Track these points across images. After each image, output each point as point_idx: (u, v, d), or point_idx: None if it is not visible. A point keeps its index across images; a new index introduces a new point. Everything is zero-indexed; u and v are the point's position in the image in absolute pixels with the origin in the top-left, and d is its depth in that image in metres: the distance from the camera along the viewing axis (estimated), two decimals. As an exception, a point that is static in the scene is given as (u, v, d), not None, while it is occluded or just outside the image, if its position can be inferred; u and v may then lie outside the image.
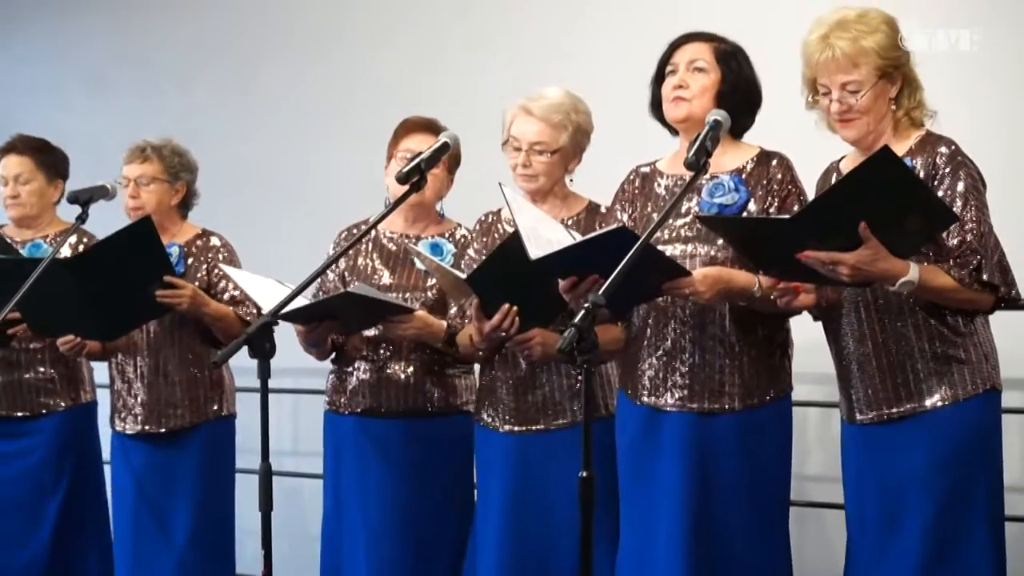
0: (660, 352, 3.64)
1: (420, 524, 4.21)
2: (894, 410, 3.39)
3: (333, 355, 4.34)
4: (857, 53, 3.34)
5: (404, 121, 4.33)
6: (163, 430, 4.67)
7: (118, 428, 4.76)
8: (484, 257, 3.90)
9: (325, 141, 6.35)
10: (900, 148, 3.33)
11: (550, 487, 3.89)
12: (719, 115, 3.36)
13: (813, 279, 3.32)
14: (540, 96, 4.00)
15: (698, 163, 3.21)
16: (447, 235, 4.32)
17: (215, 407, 4.71)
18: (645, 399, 3.66)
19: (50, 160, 5.04)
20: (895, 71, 3.38)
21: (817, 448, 5.09)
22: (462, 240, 4.29)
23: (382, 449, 4.23)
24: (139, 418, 4.69)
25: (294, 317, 3.96)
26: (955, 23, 3.44)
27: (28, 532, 4.93)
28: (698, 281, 3.43)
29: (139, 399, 4.69)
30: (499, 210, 4.09)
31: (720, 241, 3.57)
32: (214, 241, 4.74)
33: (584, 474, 2.84)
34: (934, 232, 3.26)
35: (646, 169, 3.81)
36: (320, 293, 4.27)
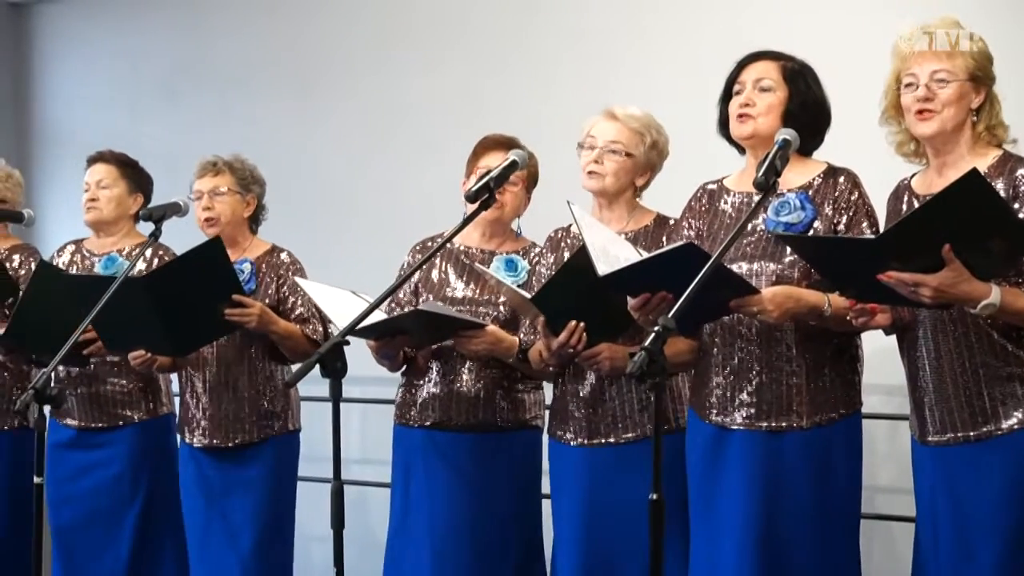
0: (727, 370, 3.64)
1: (487, 537, 4.23)
2: (970, 432, 3.35)
3: (405, 367, 4.37)
4: (955, 47, 3.35)
5: (484, 139, 4.35)
6: (230, 444, 4.71)
7: (187, 440, 4.80)
8: (549, 276, 3.93)
9: (390, 151, 6.38)
10: (978, 165, 3.28)
11: (620, 500, 3.90)
12: (788, 134, 3.35)
13: (891, 300, 3.29)
14: (626, 106, 4.05)
15: (767, 182, 3.20)
16: (521, 252, 4.34)
17: (281, 422, 4.75)
18: (713, 418, 3.66)
19: (134, 174, 5.11)
20: (983, 80, 3.39)
21: (886, 460, 5.06)
22: (536, 259, 4.30)
23: (451, 462, 4.26)
24: (206, 432, 4.73)
25: (365, 333, 3.99)
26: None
27: (108, 542, 4.98)
28: (767, 300, 3.43)
29: (207, 413, 4.73)
30: (568, 226, 4.11)
31: (787, 259, 3.56)
32: (284, 257, 4.77)
33: (654, 496, 2.85)
34: (1017, 255, 3.23)
35: (713, 186, 3.82)
36: (392, 305, 4.30)
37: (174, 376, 5.03)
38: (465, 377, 4.26)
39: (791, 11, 5.34)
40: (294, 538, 4.85)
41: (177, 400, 4.92)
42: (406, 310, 4.21)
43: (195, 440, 4.76)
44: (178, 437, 4.86)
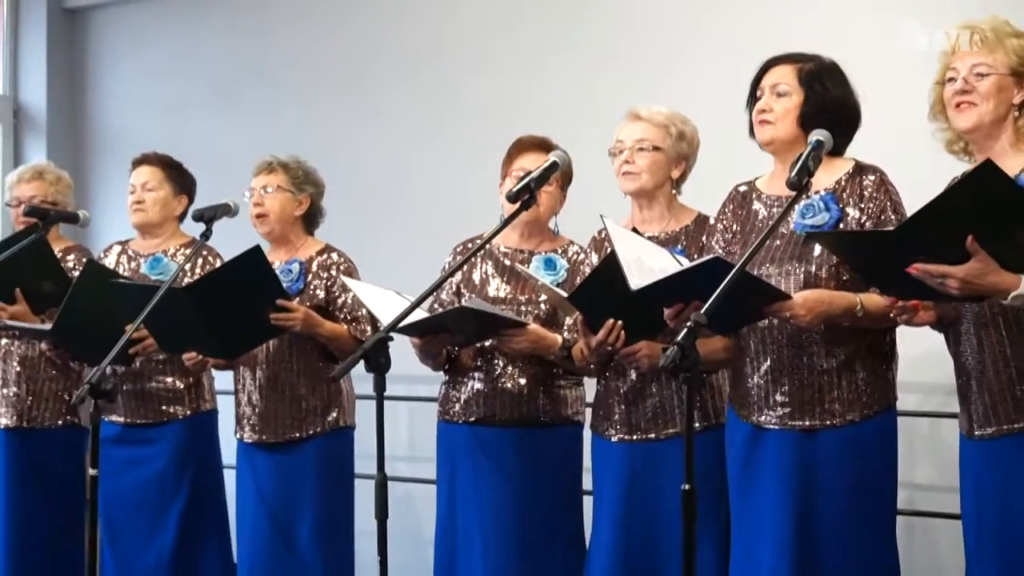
0: (763, 371, 3.68)
1: (533, 530, 4.30)
2: (1014, 425, 3.36)
3: (447, 366, 4.44)
4: (997, 43, 3.38)
5: (517, 140, 4.42)
6: (281, 440, 4.77)
7: (239, 436, 4.88)
8: (584, 277, 3.99)
9: (439, 154, 6.43)
10: (1020, 161, 3.35)
11: (660, 495, 3.94)
12: (821, 135, 3.39)
13: (926, 295, 3.31)
14: (649, 106, 4.11)
15: (800, 183, 3.26)
16: (560, 251, 4.40)
17: (331, 418, 4.80)
18: (749, 417, 3.71)
19: (179, 176, 5.21)
20: None
21: (927, 458, 5.08)
22: (575, 256, 4.37)
23: (496, 457, 4.33)
24: (256, 428, 4.80)
25: (410, 330, 4.05)
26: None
27: (153, 536, 5.07)
28: (798, 305, 3.46)
29: (257, 410, 4.80)
30: (612, 227, 4.18)
31: (815, 261, 3.60)
32: (334, 257, 4.83)
33: (686, 487, 2.91)
34: None
35: (744, 188, 3.86)
36: (435, 306, 4.37)
37: (218, 373, 5.12)
38: (508, 374, 4.32)
39: (839, 10, 5.37)
40: (354, 538, 4.88)
41: (232, 397, 5.00)
42: (449, 308, 4.28)
43: (247, 436, 4.83)
44: (235, 432, 4.93)
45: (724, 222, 3.85)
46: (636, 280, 3.46)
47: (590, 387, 4.43)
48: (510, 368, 4.33)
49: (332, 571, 4.79)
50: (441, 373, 4.49)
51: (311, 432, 4.77)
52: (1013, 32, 3.42)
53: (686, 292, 3.44)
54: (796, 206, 3.62)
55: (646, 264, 3.55)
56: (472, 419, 4.37)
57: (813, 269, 3.60)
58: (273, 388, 4.78)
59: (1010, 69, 3.39)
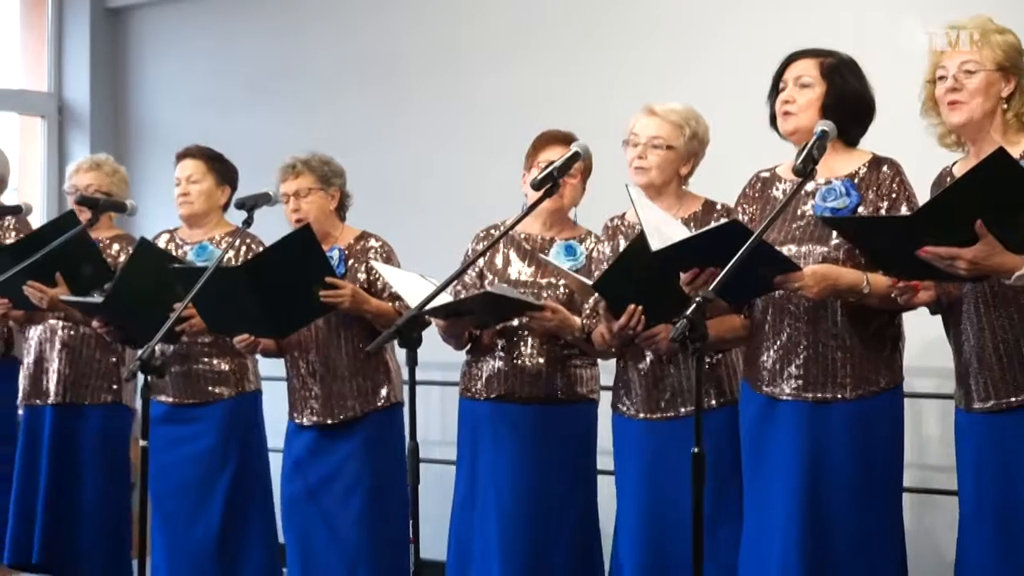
0: (777, 344, 3.82)
1: (548, 501, 4.47)
2: (1012, 399, 3.51)
3: (469, 346, 4.61)
4: (982, 40, 3.53)
5: (542, 134, 4.59)
6: (335, 421, 4.92)
7: (296, 420, 5.01)
8: (608, 264, 4.15)
9: (463, 148, 6.61)
10: (1013, 151, 3.45)
11: (681, 471, 3.95)
12: (826, 125, 3.56)
13: (931, 275, 3.47)
14: (664, 103, 4.27)
15: (804, 170, 3.43)
16: (579, 239, 4.56)
17: (383, 397, 4.94)
18: (763, 388, 3.86)
19: (221, 167, 5.36)
20: (1012, 71, 3.56)
21: (939, 439, 5.18)
22: (592, 245, 4.51)
23: (516, 432, 4.50)
24: (315, 410, 4.94)
25: (435, 313, 4.22)
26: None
27: (199, 512, 5.22)
28: (807, 276, 3.62)
29: (313, 393, 4.93)
30: (623, 214, 4.33)
31: (833, 242, 3.75)
32: (372, 243, 4.97)
33: (695, 450, 3.06)
34: None
35: (766, 174, 4.02)
36: (459, 289, 4.52)
37: (263, 361, 5.26)
38: (527, 353, 4.49)
39: (861, 9, 5.53)
40: (408, 510, 4.92)
41: (274, 384, 5.14)
42: (473, 292, 4.45)
43: (304, 419, 4.98)
44: (290, 416, 5.05)
45: (744, 204, 4.01)
46: (656, 243, 3.62)
47: (604, 367, 4.60)
48: (529, 348, 4.50)
49: (388, 546, 4.92)
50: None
51: (363, 411, 4.92)
52: (997, 29, 3.57)
53: (703, 258, 3.59)
54: (818, 191, 3.80)
55: (665, 232, 3.69)
56: (493, 396, 4.53)
57: (830, 251, 3.76)
58: (326, 370, 4.92)
59: (996, 64, 3.54)
